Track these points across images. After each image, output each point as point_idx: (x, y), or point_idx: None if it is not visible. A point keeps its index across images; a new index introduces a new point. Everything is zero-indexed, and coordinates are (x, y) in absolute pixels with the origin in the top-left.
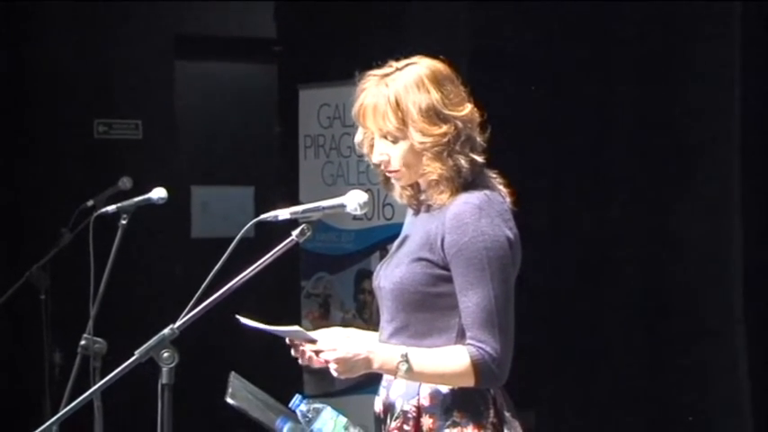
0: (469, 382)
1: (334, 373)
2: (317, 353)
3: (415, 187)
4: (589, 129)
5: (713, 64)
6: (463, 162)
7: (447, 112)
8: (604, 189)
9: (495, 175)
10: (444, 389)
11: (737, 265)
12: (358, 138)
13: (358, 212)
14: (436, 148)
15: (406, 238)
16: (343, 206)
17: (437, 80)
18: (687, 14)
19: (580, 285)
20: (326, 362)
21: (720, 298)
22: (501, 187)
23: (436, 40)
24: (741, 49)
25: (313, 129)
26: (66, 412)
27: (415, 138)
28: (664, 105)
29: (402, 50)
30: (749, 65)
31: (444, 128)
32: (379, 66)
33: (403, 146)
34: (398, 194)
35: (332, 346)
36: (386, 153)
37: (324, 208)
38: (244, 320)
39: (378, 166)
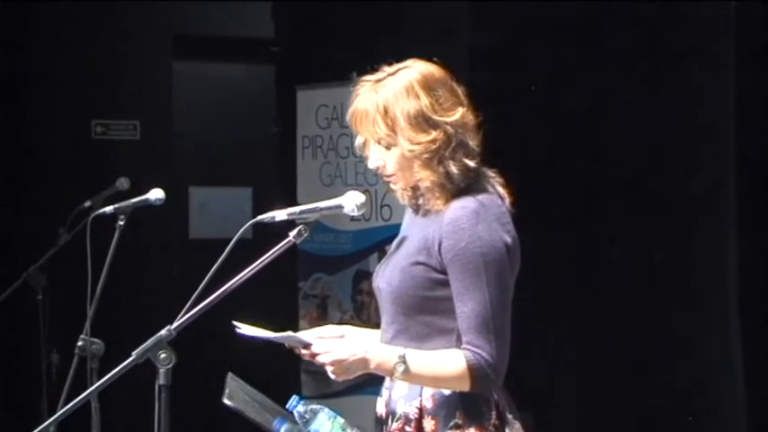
0: (464, 387)
1: (332, 375)
2: (314, 355)
3: (416, 188)
4: (586, 127)
5: (710, 65)
6: (454, 168)
7: (437, 117)
8: (601, 186)
9: (494, 174)
10: (447, 391)
11: (733, 259)
12: (359, 141)
13: (355, 213)
14: (425, 156)
15: (404, 238)
16: (340, 207)
17: (428, 85)
18: (685, 15)
19: (578, 288)
20: (323, 364)
21: (719, 299)
22: (500, 188)
23: (435, 41)
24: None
25: (311, 129)
26: (63, 413)
27: (404, 146)
28: (660, 103)
29: (400, 51)
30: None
31: (434, 134)
32: (374, 70)
33: (396, 152)
34: (400, 195)
35: (327, 348)
36: (381, 158)
37: (321, 209)
38: (240, 328)
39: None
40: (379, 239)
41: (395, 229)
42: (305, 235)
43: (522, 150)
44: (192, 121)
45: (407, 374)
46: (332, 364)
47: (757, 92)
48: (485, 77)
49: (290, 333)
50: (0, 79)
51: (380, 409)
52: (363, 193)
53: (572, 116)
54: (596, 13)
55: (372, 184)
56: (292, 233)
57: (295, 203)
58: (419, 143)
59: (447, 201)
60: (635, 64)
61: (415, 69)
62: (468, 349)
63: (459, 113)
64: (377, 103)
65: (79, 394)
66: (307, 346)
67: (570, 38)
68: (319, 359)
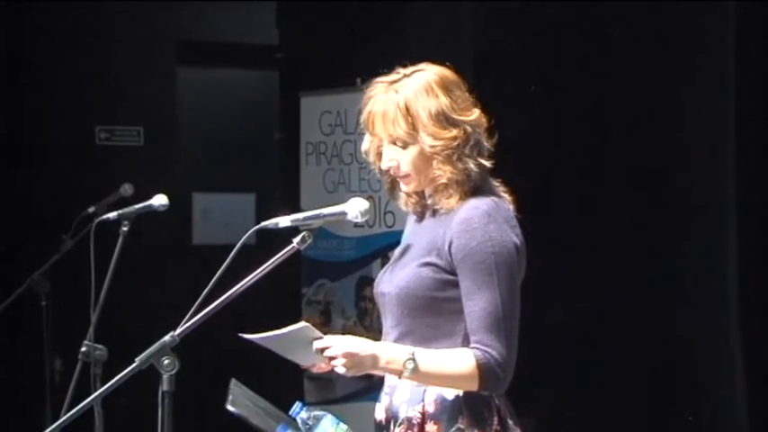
0: (473, 386)
1: (341, 370)
2: (324, 350)
3: (421, 194)
4: (588, 129)
5: (710, 66)
6: (472, 166)
7: (456, 116)
8: (601, 188)
9: (498, 184)
10: (449, 395)
11: (734, 275)
12: (364, 146)
13: (359, 220)
14: (446, 152)
15: (409, 245)
16: (344, 213)
17: (445, 86)
18: (686, 15)
19: (578, 291)
20: (332, 359)
21: (719, 307)
22: (505, 195)
23: (437, 47)
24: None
25: (314, 136)
26: (66, 419)
27: (426, 142)
28: (661, 105)
29: (403, 58)
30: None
31: (454, 132)
32: (385, 73)
33: (412, 151)
34: (403, 202)
35: (339, 340)
36: (395, 159)
37: (325, 215)
38: (248, 336)
39: (385, 172)
40: (383, 246)
41: (398, 236)
42: (308, 241)
43: (522, 153)
44: (195, 126)
45: (416, 373)
46: (345, 356)
47: (757, 92)
48: (487, 79)
49: (303, 323)
50: (4, 85)
51: (380, 415)
52: (367, 199)
53: (573, 118)
54: (597, 15)
55: (376, 190)
56: (296, 239)
57: (298, 210)
58: (442, 139)
59: (460, 199)
60: (636, 65)
61: (431, 71)
62: (477, 348)
63: (476, 114)
64: (397, 101)
65: (82, 400)
66: (319, 338)
67: (571, 38)
68: (331, 351)
